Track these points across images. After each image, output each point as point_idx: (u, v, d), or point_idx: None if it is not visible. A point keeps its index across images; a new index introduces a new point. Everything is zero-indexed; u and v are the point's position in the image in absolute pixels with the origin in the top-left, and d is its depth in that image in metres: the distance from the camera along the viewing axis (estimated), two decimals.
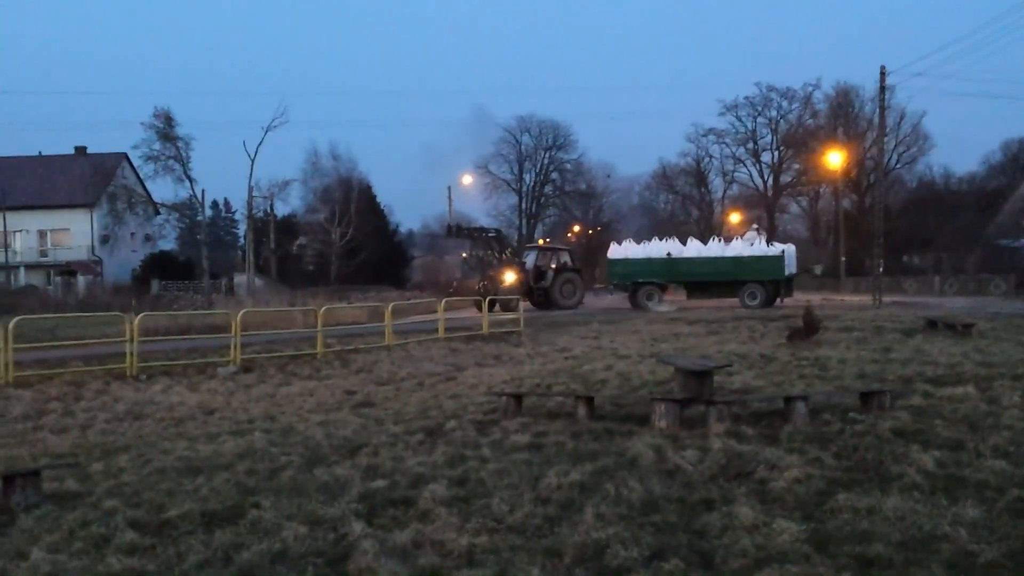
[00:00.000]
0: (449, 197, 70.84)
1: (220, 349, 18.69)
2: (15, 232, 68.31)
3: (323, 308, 21.72)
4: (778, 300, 40.15)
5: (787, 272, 41.32)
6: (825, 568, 4.93)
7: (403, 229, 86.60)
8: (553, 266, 43.41)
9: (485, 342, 22.64)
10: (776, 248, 43.38)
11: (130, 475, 8.15)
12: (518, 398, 10.86)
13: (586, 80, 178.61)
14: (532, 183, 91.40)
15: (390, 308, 22.81)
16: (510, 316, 28.76)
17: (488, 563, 5.14)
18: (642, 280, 41.49)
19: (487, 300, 28.64)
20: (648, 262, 42.15)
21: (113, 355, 17.31)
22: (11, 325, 15.20)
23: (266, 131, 57.56)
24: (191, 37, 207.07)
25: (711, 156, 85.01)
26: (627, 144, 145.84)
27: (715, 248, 43.06)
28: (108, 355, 17.58)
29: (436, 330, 23.77)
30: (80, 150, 75.34)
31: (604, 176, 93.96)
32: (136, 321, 16.98)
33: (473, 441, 8.99)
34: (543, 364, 17.25)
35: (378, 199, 76.51)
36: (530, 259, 44.45)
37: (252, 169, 58.27)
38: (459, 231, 48.14)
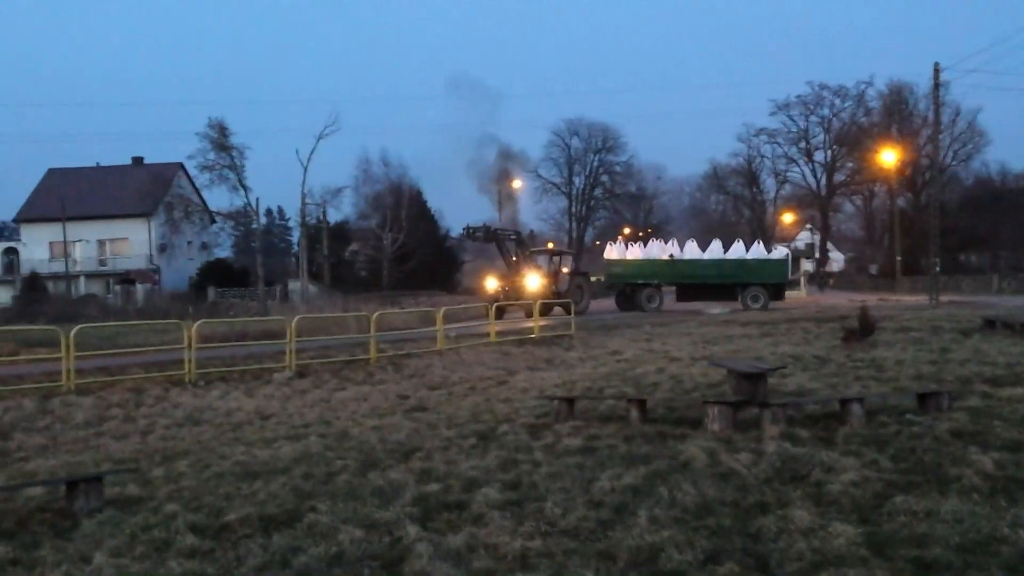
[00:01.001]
0: (499, 201, 70.98)
1: (275, 355, 18.94)
2: (75, 242, 69.87)
3: (375, 314, 21.91)
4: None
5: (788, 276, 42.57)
6: (882, 571, 4.87)
7: (454, 234, 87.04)
8: (565, 270, 42.29)
9: (536, 346, 22.66)
10: (780, 252, 44.47)
11: (189, 480, 8.31)
12: (570, 402, 10.86)
13: (635, 81, 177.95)
14: (582, 186, 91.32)
15: (441, 313, 22.94)
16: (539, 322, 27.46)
17: (542, 567, 5.15)
18: (642, 281, 41.43)
19: (495, 306, 27.40)
20: (649, 264, 42.16)
21: (172, 362, 17.63)
22: (72, 333, 15.56)
23: (318, 139, 58.23)
24: (245, 47, 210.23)
25: (763, 156, 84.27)
26: (678, 145, 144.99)
27: (716, 251, 43.20)
28: (167, 362, 17.91)
29: (487, 334, 23.85)
30: (137, 160, 76.92)
31: (654, 178, 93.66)
32: (194, 328, 17.28)
33: (525, 445, 9.01)
34: (594, 367, 17.22)
35: (428, 204, 77.00)
36: (542, 263, 42.87)
37: (305, 177, 58.96)
38: (476, 233, 45.45)
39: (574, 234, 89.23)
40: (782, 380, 12.55)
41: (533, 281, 39.61)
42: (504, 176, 73.29)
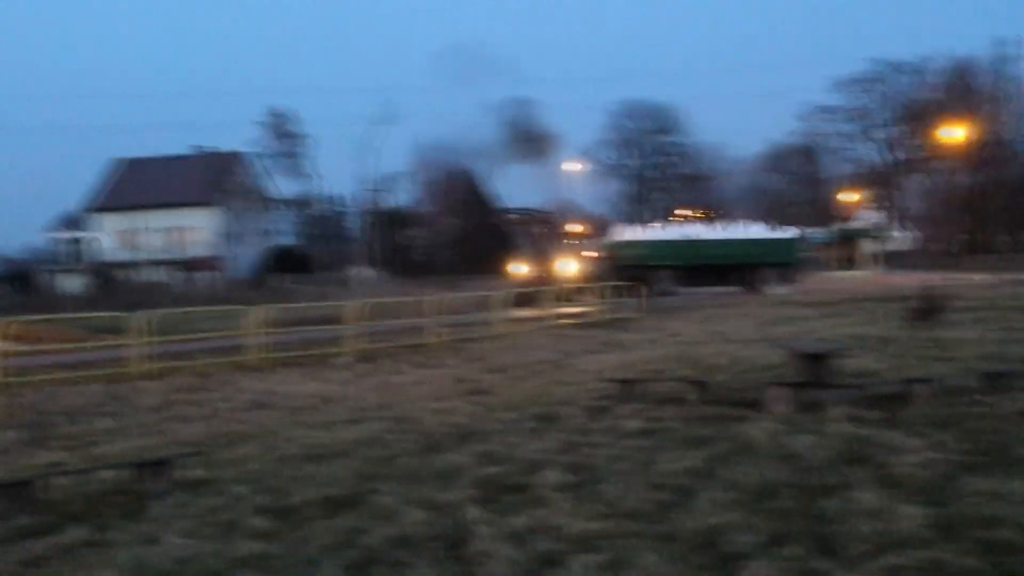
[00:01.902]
0: (554, 184, 70.75)
1: (337, 339, 19.17)
2: (142, 230, 71.50)
3: (434, 297, 22.04)
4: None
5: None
6: (950, 553, 4.79)
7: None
8: (593, 254, 40.71)
9: (595, 328, 22.61)
10: (790, 231, 42.56)
11: (255, 462, 8.45)
12: (630, 384, 10.83)
13: (692, 62, 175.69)
14: (639, 168, 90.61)
15: (499, 296, 22.99)
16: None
17: (603, 548, 5.16)
18: (655, 264, 38.77)
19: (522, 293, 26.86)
20: (664, 244, 40.07)
21: (236, 347, 17.95)
22: (140, 320, 15.91)
23: (377, 125, 58.72)
24: (304, 35, 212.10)
25: (823, 134, 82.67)
26: (735, 125, 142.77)
27: (731, 230, 41.73)
28: (231, 347, 18.23)
29: (547, 317, 23.84)
30: (201, 149, 78.26)
31: (712, 158, 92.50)
32: (257, 314, 17.55)
33: (585, 427, 9.02)
34: (654, 349, 17.13)
35: (484, 188, 77.08)
36: (576, 247, 41.35)
37: (363, 163, 59.51)
38: (515, 215, 43.30)
39: (630, 216, 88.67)
40: (846, 361, 12.37)
41: (568, 266, 38.17)
42: (542, 155, 71.83)
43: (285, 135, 58.52)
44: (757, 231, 42.10)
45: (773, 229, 42.54)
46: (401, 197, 75.93)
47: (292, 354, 17.86)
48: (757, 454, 7.18)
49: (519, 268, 39.27)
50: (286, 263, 68.18)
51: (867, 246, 58.43)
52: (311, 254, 67.11)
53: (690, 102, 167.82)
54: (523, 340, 20.27)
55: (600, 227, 49.23)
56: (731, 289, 38.38)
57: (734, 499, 5.99)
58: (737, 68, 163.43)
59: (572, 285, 30.34)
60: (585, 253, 40.11)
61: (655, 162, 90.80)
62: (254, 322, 17.03)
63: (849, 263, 56.28)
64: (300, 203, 67.97)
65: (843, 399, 8.90)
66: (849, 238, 61.19)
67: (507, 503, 6.33)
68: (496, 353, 18.06)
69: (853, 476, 6.43)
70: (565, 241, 40.84)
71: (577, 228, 45.55)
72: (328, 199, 79.50)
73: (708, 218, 53.58)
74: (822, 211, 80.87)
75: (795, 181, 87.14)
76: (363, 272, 60.40)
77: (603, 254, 40.21)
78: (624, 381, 10.93)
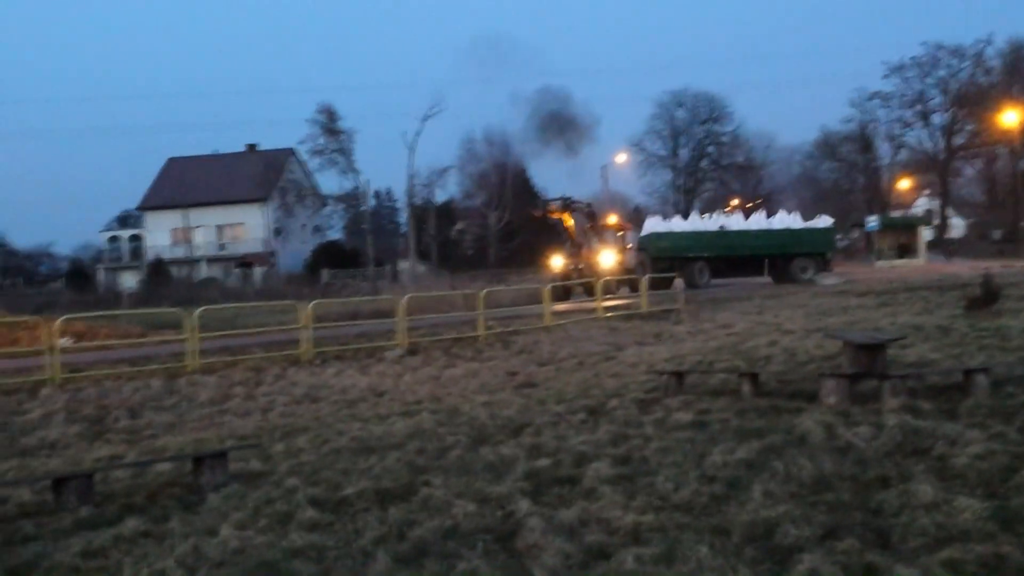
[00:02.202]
0: (604, 176, 70.53)
1: (387, 333, 19.32)
2: (195, 228, 72.65)
3: (483, 291, 22.11)
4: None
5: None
6: (1011, 547, 4.67)
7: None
8: (629, 247, 39.05)
9: (644, 320, 22.51)
10: (825, 220, 42.12)
11: (308, 455, 8.55)
12: (680, 376, 10.76)
13: (742, 49, 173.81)
14: (688, 158, 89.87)
15: (548, 289, 22.97)
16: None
17: (655, 541, 5.13)
18: (693, 255, 38.57)
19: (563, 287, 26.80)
20: (698, 236, 39.90)
21: (289, 342, 18.16)
22: (195, 316, 16.17)
23: (424, 120, 59.00)
24: (352, 32, 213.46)
25: (877, 121, 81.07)
26: (787, 113, 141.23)
27: (764, 221, 41.33)
28: (284, 342, 18.46)
29: (595, 310, 23.79)
30: (251, 147, 79.29)
31: (763, 147, 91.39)
32: (309, 309, 17.75)
33: (635, 420, 8.98)
34: (704, 341, 17.00)
35: (533, 181, 77.03)
36: (608, 239, 38.73)
37: (411, 158, 59.87)
38: (553, 205, 39.94)
39: (680, 207, 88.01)
40: (902, 351, 12.16)
41: (607, 258, 36.52)
42: (577, 142, 70.48)
43: (334, 132, 58.97)
44: (789, 221, 41.81)
45: (806, 219, 42.32)
46: (449, 191, 76.25)
47: (344, 348, 18.02)
48: (811, 446, 7.09)
49: (557, 261, 37.96)
50: (336, 258, 68.78)
51: (922, 234, 57.25)
52: (361, 249, 67.58)
53: (740, 90, 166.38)
54: (572, 333, 20.24)
55: (639, 219, 48.38)
56: (763, 280, 38.00)
57: (788, 492, 5.91)
58: (788, 54, 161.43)
59: (611, 278, 29.51)
60: (625, 245, 38.77)
61: (705, 152, 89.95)
62: (305, 317, 17.21)
63: (904, 251, 55.23)
64: (349, 199, 68.45)
65: (900, 390, 8.74)
66: (904, 226, 60.06)
67: (557, 496, 6.32)
68: (545, 346, 18.05)
69: (910, 468, 6.32)
70: (604, 233, 38.77)
71: (615, 220, 44.10)
72: (377, 194, 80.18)
73: (756, 208, 52.74)
74: (876, 199, 79.60)
75: (848, 169, 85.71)
76: (412, 266, 60.72)
77: (640, 246, 39.55)
78: (674, 373, 10.86)
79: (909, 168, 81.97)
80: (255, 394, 13.57)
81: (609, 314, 23.53)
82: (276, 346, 18.09)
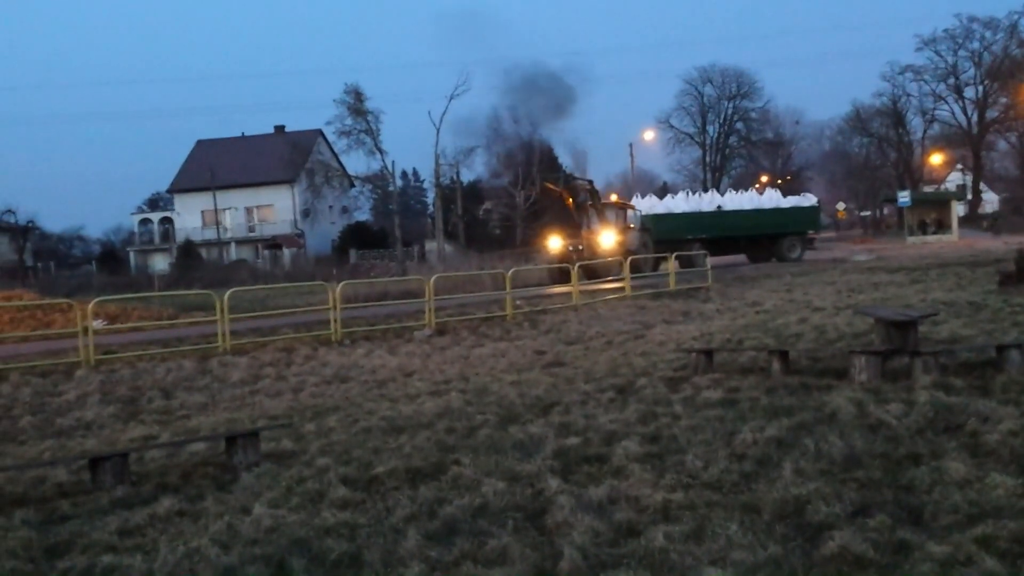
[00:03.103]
0: (631, 154, 70.16)
1: (415, 313, 19.38)
2: (225, 210, 73.12)
3: (511, 271, 22.10)
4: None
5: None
6: None
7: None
8: (632, 226, 36.75)
9: (672, 299, 22.43)
10: (809, 198, 42.53)
11: (339, 434, 8.62)
12: (709, 354, 10.72)
13: (770, 24, 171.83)
14: (716, 135, 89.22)
15: (576, 269, 22.94)
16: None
17: (685, 519, 5.14)
18: (691, 236, 37.31)
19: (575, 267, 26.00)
20: (698, 216, 39.48)
21: (318, 322, 18.27)
22: (226, 297, 16.30)
23: (450, 100, 58.90)
24: (378, 12, 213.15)
25: (909, 95, 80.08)
26: (817, 88, 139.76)
27: (755, 200, 41.25)
28: (314, 322, 18.56)
29: (623, 288, 23.73)
30: (279, 129, 79.60)
31: (792, 123, 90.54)
32: (338, 290, 17.84)
33: (664, 398, 8.97)
34: (733, 319, 16.93)
35: (560, 160, 76.72)
36: (610, 218, 36.52)
37: (438, 138, 59.82)
38: (555, 183, 37.75)
39: (709, 184, 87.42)
40: (933, 328, 12.05)
41: (608, 238, 34.49)
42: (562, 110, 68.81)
43: (361, 112, 59.00)
44: (778, 200, 41.79)
45: (793, 197, 42.67)
46: (477, 170, 76.06)
47: (373, 328, 18.11)
48: (842, 424, 7.05)
49: (555, 242, 35.67)
50: (365, 239, 68.97)
51: (955, 209, 56.52)
52: (389, 230, 67.73)
53: (769, 65, 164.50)
54: (600, 312, 20.21)
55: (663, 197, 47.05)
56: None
57: (819, 469, 5.89)
58: (819, 28, 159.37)
59: (610, 259, 28.34)
60: (628, 225, 36.60)
61: (733, 128, 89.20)
62: (334, 298, 17.30)
63: (936, 227, 54.60)
64: (376, 179, 68.55)
65: (931, 367, 8.67)
66: (936, 201, 59.34)
67: (586, 474, 6.34)
68: (573, 325, 18.05)
69: (942, 445, 6.27)
70: (605, 212, 36.43)
71: (616, 198, 42.33)
72: (404, 175, 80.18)
73: (789, 184, 52.23)
74: (907, 174, 78.70)
75: (879, 144, 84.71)
76: (439, 247, 60.80)
77: (640, 226, 37.50)
78: (703, 351, 10.82)
79: (941, 143, 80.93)
80: (286, 374, 13.67)
81: (637, 293, 23.45)
82: (306, 327, 18.20)
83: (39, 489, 7.26)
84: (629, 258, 26.59)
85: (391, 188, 69.42)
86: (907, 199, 57.49)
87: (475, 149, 65.92)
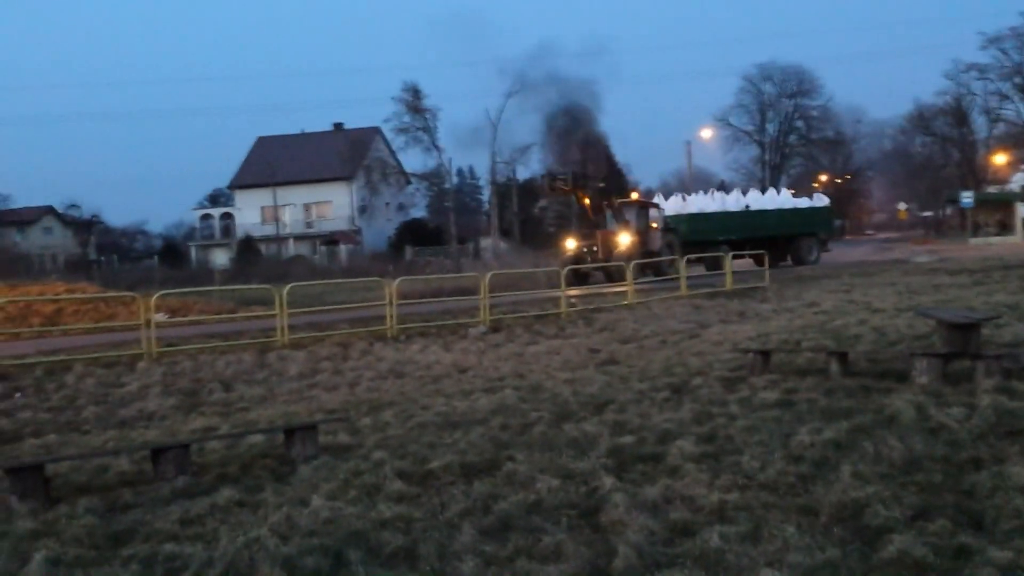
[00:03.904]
0: (688, 152, 69.59)
1: (470, 310, 19.45)
2: (284, 206, 74.12)
3: (565, 268, 22.07)
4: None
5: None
6: None
7: (642, 186, 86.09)
8: (655, 226, 34.15)
9: (729, 298, 22.23)
10: (821, 199, 41.00)
11: (395, 429, 8.71)
12: (766, 354, 10.62)
13: (830, 20, 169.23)
14: (775, 133, 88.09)
15: (630, 267, 22.84)
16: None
17: (741, 520, 5.11)
18: (722, 238, 34.81)
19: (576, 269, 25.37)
20: (726, 216, 37.57)
21: (374, 318, 18.43)
22: (285, 292, 16.52)
23: (507, 97, 58.98)
24: (435, 9, 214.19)
25: (973, 94, 78.21)
26: (879, 86, 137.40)
27: (773, 200, 39.66)
28: (370, 318, 18.72)
29: (678, 287, 23.58)
30: (338, 126, 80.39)
31: (853, 121, 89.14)
32: (394, 286, 17.97)
33: (720, 398, 8.91)
34: (791, 320, 16.73)
35: (616, 157, 76.43)
36: (630, 217, 34.03)
37: (494, 135, 59.93)
38: (560, 181, 35.01)
39: (767, 183, 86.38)
40: (996, 331, 11.80)
41: (622, 239, 32.34)
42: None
43: (418, 110, 59.44)
44: (795, 200, 40.56)
45: (807, 198, 41.47)
46: (533, 168, 76.08)
47: (428, 324, 18.22)
48: (902, 427, 6.95)
49: (570, 243, 33.54)
50: (421, 236, 69.39)
51: (1019, 210, 55.12)
52: (444, 227, 68.06)
53: (830, 62, 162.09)
54: (655, 310, 20.11)
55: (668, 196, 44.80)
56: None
57: (878, 472, 5.82)
58: (881, 25, 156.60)
59: (625, 261, 25.71)
60: (649, 224, 34.10)
61: (793, 126, 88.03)
62: (390, 294, 17.44)
63: (1001, 228, 53.34)
64: (433, 177, 68.96)
65: (994, 370, 8.51)
66: (1000, 202, 57.94)
67: (641, 472, 6.33)
68: (628, 323, 17.99)
69: (1004, 450, 6.16)
70: (622, 211, 34.15)
71: (636, 196, 40.07)
72: (460, 172, 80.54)
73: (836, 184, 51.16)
74: (970, 174, 76.95)
75: (942, 143, 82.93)
76: (494, 244, 60.93)
77: (664, 226, 34.66)
78: (760, 352, 10.72)
79: (1006, 142, 78.86)
80: (342, 369, 13.82)
81: (693, 292, 23.29)
82: (362, 322, 18.36)
83: (102, 478, 7.45)
84: (632, 262, 24.36)
85: (447, 185, 69.77)
86: (970, 200, 56.24)
87: (531, 146, 65.89)
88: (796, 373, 10.06)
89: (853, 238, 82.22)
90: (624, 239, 32.32)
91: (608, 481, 5.99)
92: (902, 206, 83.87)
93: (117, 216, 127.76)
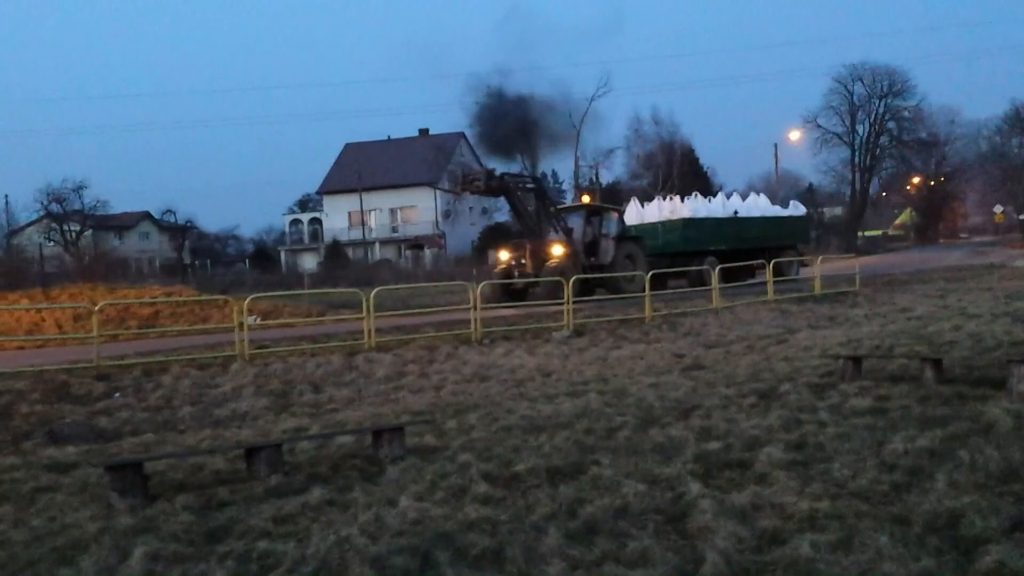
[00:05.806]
0: (775, 155, 68.49)
1: (553, 314, 19.47)
2: (371, 211, 75.32)
3: (649, 273, 21.93)
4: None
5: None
6: None
7: (727, 190, 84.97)
8: (607, 234, 28.99)
9: (818, 303, 21.82)
10: (797, 207, 38.18)
11: (480, 432, 8.78)
12: (856, 360, 10.41)
13: (923, 18, 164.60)
14: (866, 134, 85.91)
15: (716, 271, 22.58)
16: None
17: (831, 528, 5.02)
18: (714, 248, 31.66)
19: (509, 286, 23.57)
20: (718, 224, 33.40)
21: (459, 322, 18.58)
22: (372, 296, 16.79)
23: (591, 101, 58.91)
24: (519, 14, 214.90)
25: None
26: (974, 85, 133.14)
27: (751, 207, 35.57)
28: (455, 321, 18.89)
29: (765, 292, 23.23)
30: (423, 132, 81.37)
31: (947, 122, 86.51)
32: (478, 290, 18.10)
33: (809, 405, 8.77)
34: (882, 325, 16.34)
35: (701, 161, 75.65)
36: (576, 225, 28.73)
37: (578, 139, 59.89)
38: (474, 181, 29.26)
39: (858, 186, 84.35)
40: None
41: (554, 251, 26.92)
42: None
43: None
44: (776, 208, 37.14)
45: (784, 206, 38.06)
46: (616, 172, 75.80)
47: (512, 328, 18.29)
48: (999, 435, 6.74)
49: (503, 255, 28.55)
50: (504, 241, 69.58)
51: None
52: (526, 232, 68.26)
53: (923, 62, 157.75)
54: (741, 315, 19.85)
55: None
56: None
57: (974, 482, 5.66)
58: (976, 22, 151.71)
59: (559, 275, 21.48)
60: (601, 233, 29.12)
61: (884, 128, 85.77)
62: (475, 298, 17.58)
63: None
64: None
65: None
66: None
67: (728, 479, 6.27)
68: (713, 328, 17.80)
69: None
70: (559, 218, 29.07)
71: (591, 200, 35.44)
72: (543, 176, 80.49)
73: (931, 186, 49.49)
74: None
75: None
76: None
77: (618, 235, 29.45)
78: (851, 357, 10.51)
79: None
80: (428, 372, 13.98)
81: (780, 296, 22.92)
82: (447, 326, 18.53)
83: (198, 476, 7.66)
84: (573, 276, 20.71)
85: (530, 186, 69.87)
86: None
87: (615, 150, 65.67)
88: (888, 380, 9.83)
89: (947, 242, 79.83)
90: (556, 250, 26.95)
91: (695, 487, 5.95)
92: (998, 209, 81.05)
93: (210, 221, 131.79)
